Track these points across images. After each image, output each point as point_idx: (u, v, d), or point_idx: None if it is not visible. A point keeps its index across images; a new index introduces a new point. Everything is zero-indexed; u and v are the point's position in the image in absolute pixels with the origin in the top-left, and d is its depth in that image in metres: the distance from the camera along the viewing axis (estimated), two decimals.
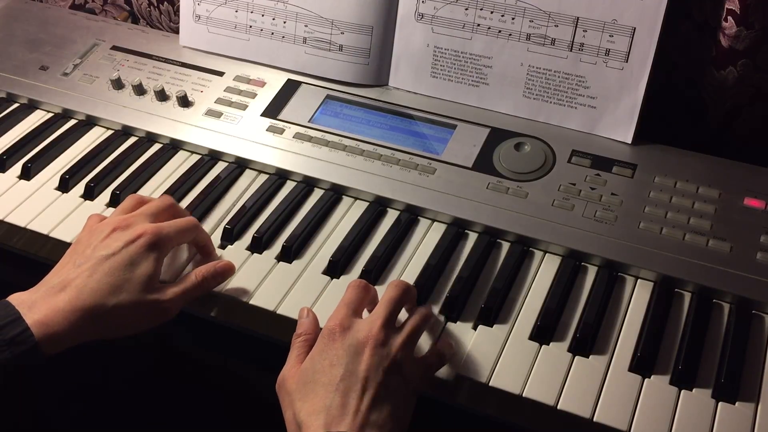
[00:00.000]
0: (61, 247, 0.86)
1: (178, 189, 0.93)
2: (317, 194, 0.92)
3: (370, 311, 0.74)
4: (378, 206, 0.90)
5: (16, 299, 0.71)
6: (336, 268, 0.82)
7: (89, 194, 0.93)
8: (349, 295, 0.73)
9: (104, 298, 0.71)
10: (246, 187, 0.94)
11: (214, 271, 0.79)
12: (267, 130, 0.98)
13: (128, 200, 0.83)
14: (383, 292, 0.74)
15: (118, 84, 1.05)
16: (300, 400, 0.66)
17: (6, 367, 0.66)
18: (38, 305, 0.70)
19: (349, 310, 0.71)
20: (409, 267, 0.83)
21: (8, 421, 1.00)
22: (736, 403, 0.69)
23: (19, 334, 0.67)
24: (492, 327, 0.76)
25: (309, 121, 0.98)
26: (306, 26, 1.03)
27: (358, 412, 0.63)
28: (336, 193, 0.92)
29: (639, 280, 0.81)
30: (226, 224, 0.87)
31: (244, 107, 1.01)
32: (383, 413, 0.64)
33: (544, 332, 0.75)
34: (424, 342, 0.75)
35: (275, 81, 1.04)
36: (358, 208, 0.90)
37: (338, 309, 0.71)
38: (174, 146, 1.00)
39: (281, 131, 0.97)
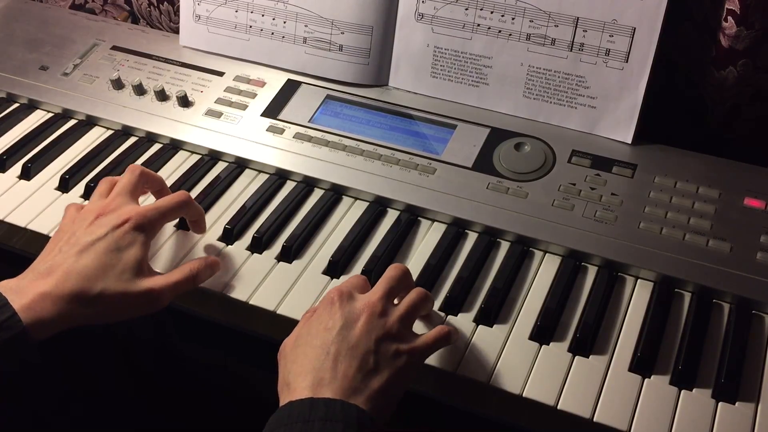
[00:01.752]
0: None
1: (179, 189, 0.92)
2: (317, 194, 0.92)
3: None
4: (378, 206, 0.90)
5: (3, 286, 0.70)
6: (336, 268, 0.82)
7: (89, 194, 0.93)
8: (351, 279, 0.74)
9: (90, 282, 0.71)
10: (246, 187, 0.94)
11: (204, 265, 0.79)
12: (267, 130, 0.98)
13: (101, 185, 0.82)
14: None
15: (118, 84, 1.05)
16: (291, 362, 0.65)
17: None
18: (25, 290, 0.69)
19: (351, 286, 0.72)
20: (410, 267, 0.82)
21: (8, 421, 1.00)
22: (736, 403, 0.69)
23: (7, 320, 0.66)
24: (492, 327, 0.76)
25: (309, 121, 0.98)
26: (306, 26, 1.03)
27: (347, 377, 0.63)
28: (336, 193, 0.92)
29: (639, 280, 0.81)
30: (226, 224, 0.87)
31: (244, 107, 1.01)
32: (373, 382, 0.63)
33: (544, 332, 0.75)
34: (426, 326, 0.75)
35: (275, 81, 1.04)
36: (358, 208, 0.90)
37: (340, 285, 0.72)
38: (174, 146, 1.00)
39: (281, 131, 0.97)
